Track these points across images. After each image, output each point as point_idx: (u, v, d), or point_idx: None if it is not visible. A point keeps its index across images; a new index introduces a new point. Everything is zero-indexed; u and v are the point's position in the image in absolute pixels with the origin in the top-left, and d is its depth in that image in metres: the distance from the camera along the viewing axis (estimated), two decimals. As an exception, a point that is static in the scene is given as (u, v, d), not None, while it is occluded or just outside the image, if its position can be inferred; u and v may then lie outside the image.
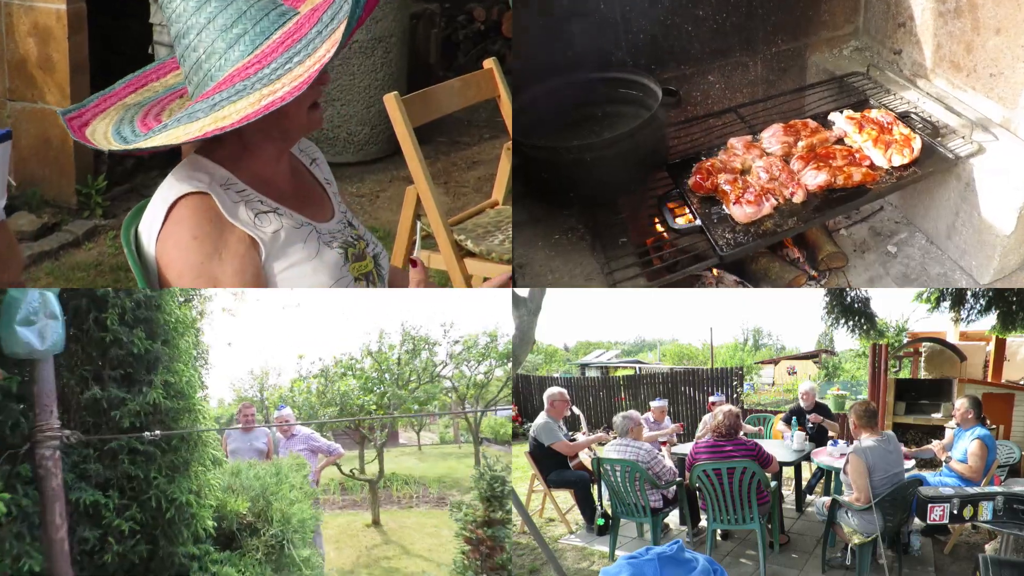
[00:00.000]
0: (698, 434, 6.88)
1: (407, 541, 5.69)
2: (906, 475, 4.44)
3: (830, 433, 6.51)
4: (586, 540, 5.41)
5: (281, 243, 2.42)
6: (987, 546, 4.16)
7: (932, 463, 5.61)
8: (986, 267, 3.72)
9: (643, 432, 5.55)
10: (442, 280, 4.84)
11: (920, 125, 3.82)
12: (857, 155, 3.75)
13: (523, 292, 4.68)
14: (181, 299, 3.33)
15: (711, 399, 7.69)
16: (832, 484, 5.57)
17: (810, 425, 6.53)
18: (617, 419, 5.26)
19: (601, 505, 5.50)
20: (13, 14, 6.43)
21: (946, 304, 6.28)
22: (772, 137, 3.89)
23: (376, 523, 5.71)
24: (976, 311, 6.20)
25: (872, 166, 3.70)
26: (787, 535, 5.20)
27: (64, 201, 6.69)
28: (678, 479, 5.05)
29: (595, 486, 5.57)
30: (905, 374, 8.14)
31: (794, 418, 6.54)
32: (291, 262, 2.42)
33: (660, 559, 1.55)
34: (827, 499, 4.52)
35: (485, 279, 4.13)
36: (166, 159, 6.85)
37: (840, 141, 3.86)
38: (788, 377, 15.15)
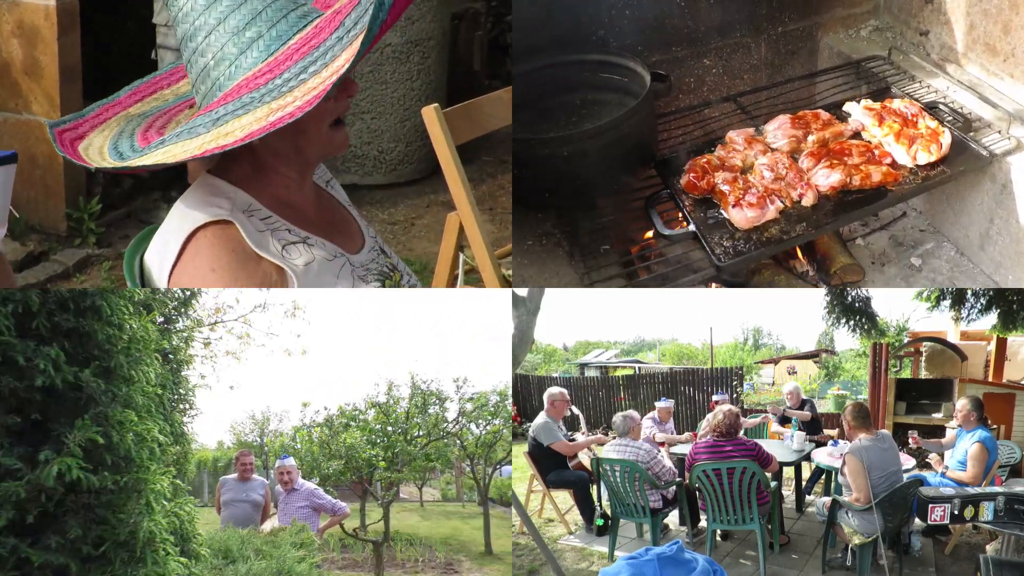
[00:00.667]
0: (700, 433, 6.86)
1: (413, 613, 5.51)
2: (907, 475, 4.44)
3: (826, 432, 6.51)
4: (585, 540, 5.40)
5: (313, 276, 2.12)
6: (988, 547, 4.15)
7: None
8: (1025, 282, 3.25)
9: (642, 432, 5.54)
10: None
11: (950, 117, 3.40)
12: (876, 152, 3.34)
13: (522, 291, 4.67)
14: (141, 302, 2.56)
15: (714, 398, 7.67)
16: (832, 484, 5.56)
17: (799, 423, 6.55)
18: (617, 419, 5.25)
19: (600, 505, 5.48)
20: None
21: (946, 303, 6.26)
22: (778, 130, 3.49)
23: None
24: (977, 310, 6.18)
25: (894, 164, 3.29)
26: (787, 535, 5.19)
27: (52, 227, 5.90)
28: (678, 479, 5.04)
29: (594, 486, 5.55)
30: (906, 374, 8.12)
31: (794, 418, 6.54)
32: None
33: (660, 559, 1.55)
34: (827, 499, 4.51)
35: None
36: (167, 180, 6.44)
37: (857, 135, 3.46)
38: (788, 377, 15.12)
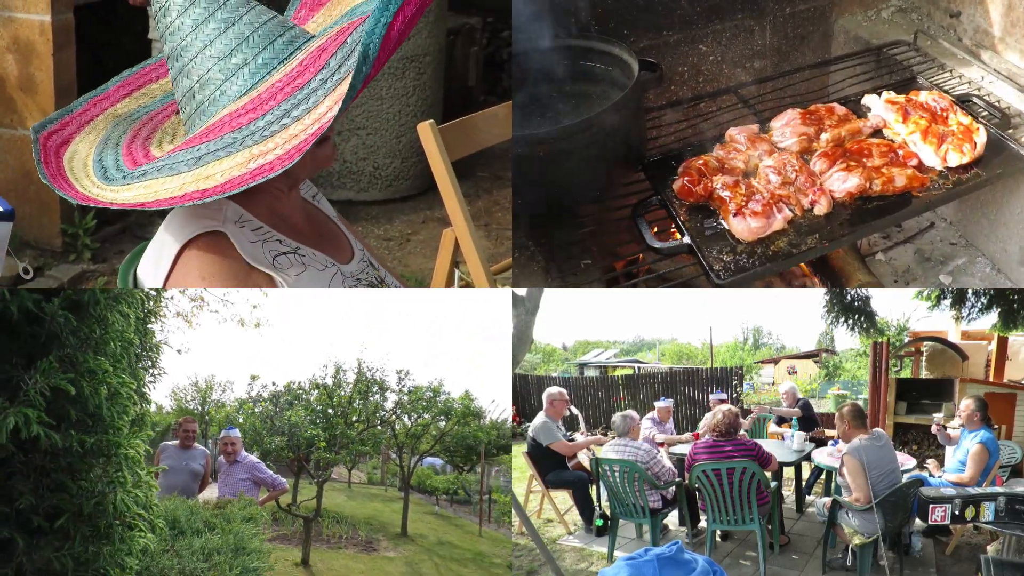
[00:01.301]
0: (699, 430, 6.86)
1: (334, 587, 5.62)
2: (907, 475, 4.43)
3: (827, 432, 6.49)
4: (585, 541, 5.39)
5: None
6: (989, 547, 4.13)
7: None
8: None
9: (641, 433, 5.52)
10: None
11: (985, 112, 3.07)
12: (900, 152, 3.00)
13: (521, 291, 4.65)
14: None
15: (712, 397, 7.65)
16: (833, 484, 5.55)
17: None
18: (616, 419, 5.24)
19: (600, 506, 5.47)
20: None
21: (947, 303, 6.25)
22: (786, 127, 3.16)
23: (305, 563, 5.63)
24: (977, 309, 6.17)
25: (920, 167, 2.95)
26: (787, 536, 5.19)
27: (47, 243, 5.87)
28: (677, 479, 5.03)
29: (594, 487, 5.54)
30: (906, 373, 8.11)
31: (794, 418, 6.53)
32: None
33: (659, 560, 1.53)
34: (828, 500, 4.50)
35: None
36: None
37: (878, 133, 3.13)
38: (788, 376, 15.12)
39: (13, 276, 5.54)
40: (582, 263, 3.03)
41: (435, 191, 3.75)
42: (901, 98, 3.21)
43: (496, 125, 3.80)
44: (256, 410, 6.63)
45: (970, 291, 5.98)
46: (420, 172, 6.95)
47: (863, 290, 6.43)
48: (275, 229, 2.16)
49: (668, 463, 5.30)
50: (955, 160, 2.99)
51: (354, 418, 6.74)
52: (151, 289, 2.29)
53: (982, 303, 6.05)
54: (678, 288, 3.11)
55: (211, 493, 4.71)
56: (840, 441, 5.61)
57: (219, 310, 5.53)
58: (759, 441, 5.21)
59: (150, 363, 2.74)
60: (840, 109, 3.27)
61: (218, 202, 2.08)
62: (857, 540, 4.14)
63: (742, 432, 5.21)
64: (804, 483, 6.26)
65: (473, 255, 3.60)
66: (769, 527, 4.74)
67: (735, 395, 10.52)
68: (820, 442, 6.18)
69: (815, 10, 3.61)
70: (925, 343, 8.03)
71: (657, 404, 7.26)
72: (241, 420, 6.58)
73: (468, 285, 3.83)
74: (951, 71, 3.36)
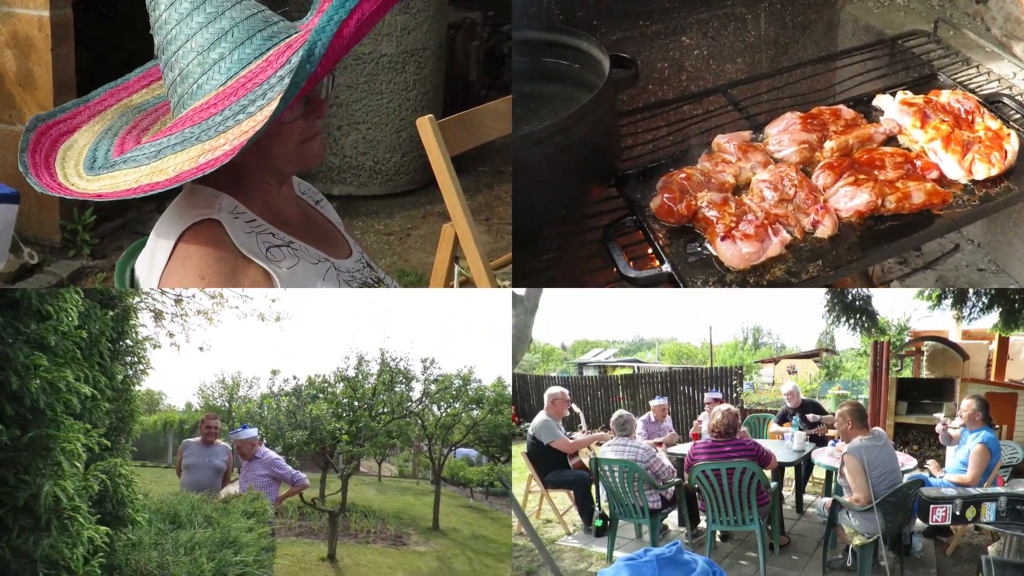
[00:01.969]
0: (692, 431, 6.86)
1: (362, 582, 5.60)
2: (907, 475, 4.41)
3: (829, 432, 6.47)
4: (584, 541, 5.37)
5: (298, 280, 2.12)
6: (990, 548, 4.11)
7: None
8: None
9: (636, 432, 5.51)
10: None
11: (1017, 115, 2.73)
12: (918, 163, 2.62)
13: (520, 291, 4.64)
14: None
15: (707, 396, 7.64)
16: (833, 484, 5.54)
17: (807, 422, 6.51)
18: (615, 418, 5.23)
19: (599, 506, 5.46)
20: None
21: (948, 302, 6.24)
22: (784, 134, 2.76)
23: (332, 558, 5.62)
24: (978, 309, 6.15)
25: (941, 180, 2.59)
26: (787, 536, 5.18)
27: (47, 239, 5.91)
28: (676, 479, 5.02)
29: (595, 486, 5.52)
30: (907, 373, 8.10)
31: (795, 418, 6.50)
32: None
33: (659, 561, 1.52)
34: (828, 500, 4.48)
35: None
36: (163, 192, 6.56)
37: (891, 140, 2.75)
38: (788, 376, 15.11)
39: (18, 267, 5.61)
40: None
41: (435, 186, 3.71)
42: (919, 99, 2.82)
43: (497, 119, 3.75)
44: (281, 405, 6.63)
45: (971, 291, 5.96)
46: (420, 167, 6.95)
47: (864, 290, 6.41)
48: (269, 222, 2.17)
49: (667, 462, 5.29)
50: (982, 172, 2.61)
51: (381, 409, 6.69)
52: (127, 290, 2.31)
53: (983, 303, 6.04)
54: (678, 288, 2.88)
55: (235, 488, 4.72)
56: (840, 440, 5.61)
57: (239, 306, 5.58)
58: (758, 441, 5.20)
59: (135, 359, 2.73)
60: (847, 112, 2.87)
61: (213, 194, 2.12)
62: (857, 540, 4.13)
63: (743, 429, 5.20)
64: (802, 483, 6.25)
65: (473, 250, 3.58)
66: (769, 527, 4.73)
67: (735, 395, 10.51)
68: (820, 441, 6.16)
69: (819, -4, 3.06)
70: (926, 343, 8.02)
71: (652, 403, 7.28)
72: (266, 415, 6.60)
73: (468, 280, 3.81)
74: (978, 67, 2.94)
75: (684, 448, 5.69)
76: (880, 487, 4.01)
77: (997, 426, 5.81)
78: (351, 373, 6.83)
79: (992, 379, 7.46)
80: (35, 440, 1.88)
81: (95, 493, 2.20)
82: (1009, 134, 2.63)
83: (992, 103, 2.76)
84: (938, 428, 5.33)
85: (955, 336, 8.13)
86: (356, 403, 6.65)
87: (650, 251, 2.63)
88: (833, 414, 6.83)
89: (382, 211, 6.84)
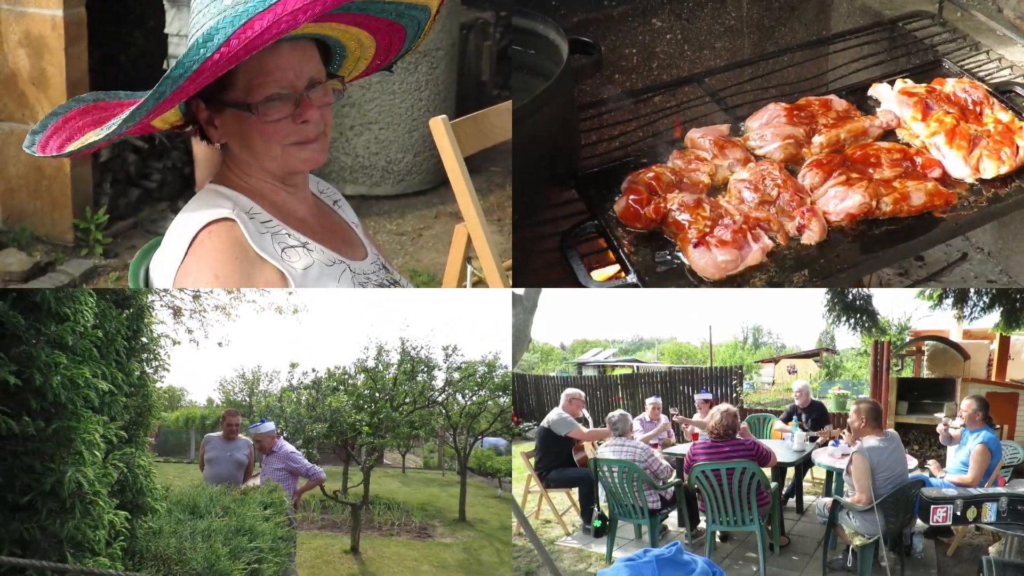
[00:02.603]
0: (691, 432, 6.85)
1: (386, 574, 5.56)
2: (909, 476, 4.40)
3: (831, 433, 6.45)
4: (583, 542, 5.37)
5: (312, 281, 2.13)
6: (991, 548, 4.10)
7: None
8: None
9: (633, 431, 5.53)
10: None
11: None
12: (919, 160, 2.37)
13: (519, 290, 4.62)
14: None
15: (697, 397, 7.62)
16: (833, 485, 5.53)
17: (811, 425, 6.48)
18: (614, 417, 5.23)
19: (597, 506, 5.45)
20: (1, 22, 5.55)
21: (949, 302, 6.22)
22: (767, 127, 2.48)
23: (355, 550, 5.61)
24: (979, 308, 6.14)
25: (945, 179, 2.34)
26: (787, 537, 5.17)
27: (59, 238, 5.95)
28: (676, 479, 5.01)
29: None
30: (907, 373, 8.09)
31: (794, 418, 6.49)
32: None
33: (658, 561, 1.52)
34: (828, 500, 4.47)
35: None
36: (175, 191, 6.68)
37: (889, 135, 2.50)
38: (788, 376, 15.11)
39: (31, 267, 5.65)
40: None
41: (447, 186, 3.66)
42: (920, 88, 2.53)
43: (509, 120, 3.47)
44: (301, 398, 6.62)
45: (972, 290, 5.95)
46: (432, 167, 7.02)
47: (864, 289, 6.40)
48: (284, 223, 2.18)
49: (665, 461, 5.28)
50: (991, 169, 2.34)
51: (403, 400, 6.64)
52: (141, 290, 2.33)
53: (984, 302, 6.02)
54: (677, 287, 2.88)
55: (256, 483, 4.77)
56: (841, 441, 5.59)
57: (256, 300, 5.62)
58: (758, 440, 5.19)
59: (151, 355, 2.85)
60: (839, 103, 2.58)
61: (228, 195, 2.15)
62: (858, 541, 4.11)
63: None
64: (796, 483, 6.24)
65: (485, 250, 3.49)
66: (769, 528, 4.72)
67: (735, 395, 10.49)
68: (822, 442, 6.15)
69: (808, -27, 2.76)
70: (926, 342, 8.01)
71: (648, 402, 7.29)
72: (286, 409, 6.60)
73: (480, 281, 3.75)
74: (987, 52, 2.65)
75: (682, 448, 5.69)
76: (885, 490, 3.99)
77: (998, 426, 5.80)
78: (371, 364, 6.82)
79: (993, 379, 7.45)
80: (58, 431, 2.08)
81: (114, 481, 2.38)
82: (1021, 127, 2.38)
83: (1003, 93, 2.50)
84: (939, 428, 5.32)
85: (956, 336, 8.12)
86: (377, 394, 6.62)
87: (613, 259, 2.35)
88: (835, 416, 6.84)
89: (394, 211, 6.88)
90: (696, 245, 2.24)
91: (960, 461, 4.87)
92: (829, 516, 4.32)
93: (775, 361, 16.96)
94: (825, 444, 5.94)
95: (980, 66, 2.63)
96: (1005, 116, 2.42)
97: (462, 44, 7.64)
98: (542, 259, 2.44)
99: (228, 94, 2.06)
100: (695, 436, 6.54)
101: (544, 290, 4.64)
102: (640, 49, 2.82)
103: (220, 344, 6.00)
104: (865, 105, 2.63)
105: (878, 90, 2.67)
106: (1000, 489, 3.87)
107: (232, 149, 2.16)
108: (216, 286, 2.05)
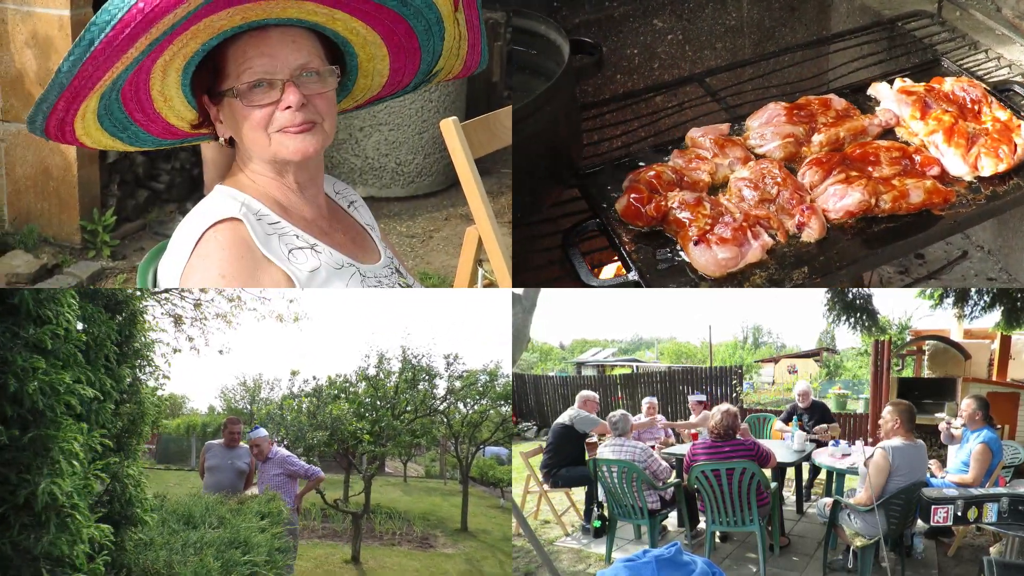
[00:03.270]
0: (691, 432, 6.85)
1: (386, 585, 5.56)
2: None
3: (831, 433, 6.45)
4: (583, 542, 5.36)
5: (319, 284, 2.11)
6: (992, 548, 4.09)
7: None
8: None
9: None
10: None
11: None
12: (917, 158, 2.40)
13: (518, 290, 4.60)
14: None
15: (691, 399, 7.61)
16: (834, 485, 5.52)
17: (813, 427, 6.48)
18: (614, 417, 5.22)
19: (598, 507, 5.43)
20: (8, 21, 5.52)
21: (949, 301, 6.21)
22: (767, 126, 2.51)
23: (356, 560, 5.59)
24: (980, 308, 6.12)
25: (944, 177, 2.37)
26: (787, 537, 5.16)
27: (66, 239, 5.93)
28: (676, 480, 5.00)
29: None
30: (908, 373, 8.09)
31: (795, 418, 6.48)
32: None
33: (658, 562, 1.51)
34: (829, 500, 4.45)
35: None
36: (182, 192, 6.68)
37: (888, 133, 2.53)
38: (788, 376, 15.10)
39: (38, 268, 5.63)
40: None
41: (458, 188, 3.56)
42: (919, 87, 2.56)
43: None
44: (302, 406, 6.60)
45: (972, 290, 5.93)
46: (443, 168, 7.02)
47: (864, 288, 6.38)
48: (293, 224, 2.17)
49: (664, 461, 5.28)
50: (989, 167, 2.36)
51: (404, 408, 6.63)
52: (133, 290, 2.28)
53: (985, 301, 6.01)
54: (678, 285, 2.86)
55: (255, 491, 4.74)
56: (841, 442, 5.58)
57: (257, 307, 5.59)
58: (758, 440, 5.18)
59: (144, 362, 2.76)
60: (839, 102, 2.62)
61: (237, 196, 2.13)
62: (859, 541, 4.09)
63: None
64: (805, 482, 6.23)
65: (497, 253, 3.44)
66: (769, 528, 4.71)
67: (735, 394, 10.49)
68: (819, 442, 6.14)
69: (809, -28, 2.77)
70: (927, 342, 8.00)
71: (644, 402, 7.31)
72: (287, 416, 6.58)
73: (492, 283, 3.70)
74: (986, 51, 2.69)
75: (681, 448, 5.69)
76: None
77: (999, 426, 5.78)
78: (372, 372, 6.80)
79: (994, 379, 7.44)
80: (35, 440, 1.95)
81: (98, 493, 2.26)
82: (1019, 126, 2.41)
83: (1002, 92, 2.53)
84: (941, 427, 5.30)
85: (957, 335, 8.12)
86: (378, 402, 6.60)
87: (615, 257, 2.38)
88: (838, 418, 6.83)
89: (404, 213, 6.88)
90: (697, 243, 2.27)
91: (961, 461, 4.86)
92: (829, 516, 4.30)
93: (775, 361, 16.95)
94: (825, 444, 5.93)
95: (979, 65, 2.68)
96: (1003, 114, 2.46)
97: (472, 45, 7.65)
98: (545, 257, 2.50)
99: (224, 84, 2.07)
100: (695, 436, 6.54)
101: (543, 289, 4.62)
102: (641, 49, 2.87)
103: (221, 352, 5.97)
104: (864, 104, 2.67)
105: (877, 89, 2.71)
106: (1001, 489, 3.85)
107: (237, 146, 2.17)
108: (222, 286, 2.06)
